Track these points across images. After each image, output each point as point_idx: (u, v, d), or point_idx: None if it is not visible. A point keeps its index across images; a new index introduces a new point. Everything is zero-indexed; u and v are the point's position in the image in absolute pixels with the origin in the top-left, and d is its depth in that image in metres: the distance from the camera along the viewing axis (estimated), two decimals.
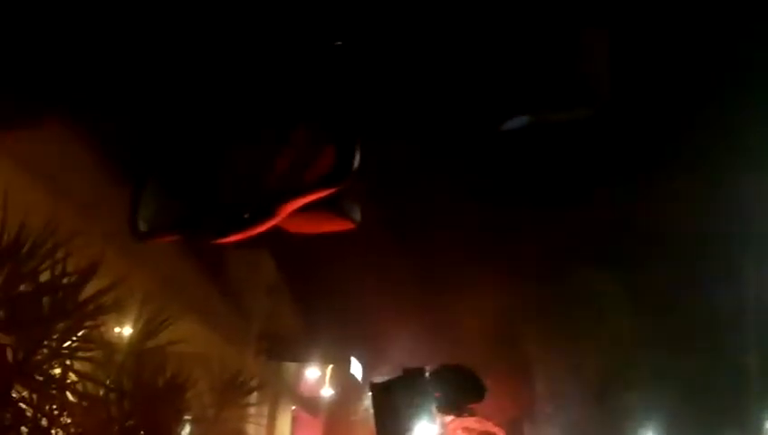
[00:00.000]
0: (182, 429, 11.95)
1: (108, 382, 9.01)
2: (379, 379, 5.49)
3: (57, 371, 7.61)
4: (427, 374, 4.94)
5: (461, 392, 5.11)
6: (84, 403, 8.14)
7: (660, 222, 27.24)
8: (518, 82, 2.10)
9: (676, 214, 25.45)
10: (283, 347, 25.01)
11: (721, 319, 30.35)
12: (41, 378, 7.33)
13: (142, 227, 2.00)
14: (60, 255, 7.56)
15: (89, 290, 7.87)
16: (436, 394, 4.94)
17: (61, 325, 7.57)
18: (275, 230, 1.82)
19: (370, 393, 5.09)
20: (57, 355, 7.58)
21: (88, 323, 7.86)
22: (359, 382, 30.08)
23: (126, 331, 10.18)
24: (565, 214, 27.89)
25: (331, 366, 28.94)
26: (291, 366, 28.31)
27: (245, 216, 1.75)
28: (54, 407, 7.65)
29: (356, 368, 30.41)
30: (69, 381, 7.79)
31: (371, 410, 5.18)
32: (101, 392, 8.87)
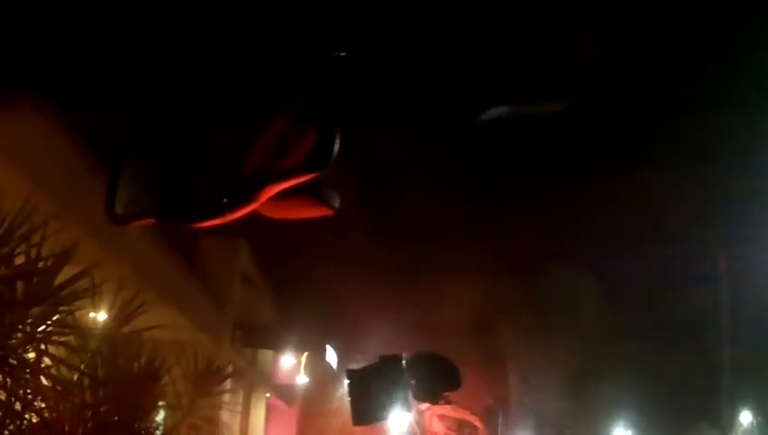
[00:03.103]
0: (156, 415, 11.91)
1: (82, 368, 8.97)
2: (355, 366, 5.49)
3: (31, 355, 7.55)
4: (403, 362, 4.93)
5: (437, 381, 5.12)
6: (58, 388, 8.10)
7: (638, 219, 27.47)
8: (498, 74, 2.11)
9: (654, 212, 25.66)
10: (258, 335, 24.96)
11: (695, 317, 30.72)
12: (15, 362, 7.28)
13: (119, 210, 2.00)
14: (35, 239, 7.50)
15: (64, 275, 7.83)
16: (412, 382, 4.93)
17: (35, 310, 7.52)
18: (252, 216, 1.82)
19: (347, 380, 5.10)
20: (31, 340, 7.53)
21: (63, 308, 7.81)
22: (334, 370, 30.08)
23: (101, 316, 10.12)
24: (545, 208, 28.05)
25: (306, 354, 28.90)
26: (266, 354, 28.27)
27: (224, 200, 1.75)
28: (28, 391, 7.61)
29: (331, 356, 30.41)
30: (43, 365, 7.74)
31: (346, 398, 5.18)
32: (76, 378, 8.83)
